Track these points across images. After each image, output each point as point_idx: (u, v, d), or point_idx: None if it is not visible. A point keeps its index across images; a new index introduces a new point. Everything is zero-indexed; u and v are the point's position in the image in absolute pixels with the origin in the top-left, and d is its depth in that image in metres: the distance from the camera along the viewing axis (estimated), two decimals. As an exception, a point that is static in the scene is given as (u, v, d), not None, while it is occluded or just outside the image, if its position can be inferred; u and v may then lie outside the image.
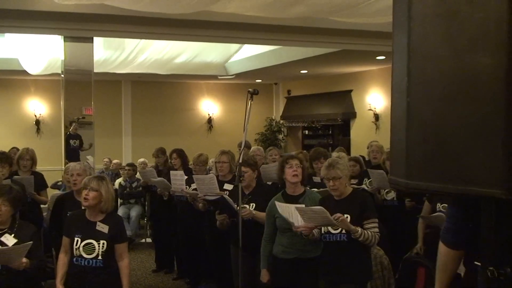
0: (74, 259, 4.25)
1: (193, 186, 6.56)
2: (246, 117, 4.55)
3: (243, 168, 5.37)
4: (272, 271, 5.02)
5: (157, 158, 8.51)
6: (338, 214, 4.34)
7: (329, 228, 4.47)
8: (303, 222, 4.46)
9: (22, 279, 4.36)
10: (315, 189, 5.78)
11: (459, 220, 2.43)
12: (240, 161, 4.74)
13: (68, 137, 8.79)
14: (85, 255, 4.21)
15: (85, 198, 4.26)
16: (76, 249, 4.22)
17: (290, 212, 4.60)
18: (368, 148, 8.61)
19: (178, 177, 6.91)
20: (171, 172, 7.16)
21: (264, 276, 5.04)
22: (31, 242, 4.25)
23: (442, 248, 2.55)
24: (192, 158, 7.58)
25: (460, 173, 1.65)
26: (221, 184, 6.02)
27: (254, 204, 5.37)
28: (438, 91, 1.70)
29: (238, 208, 5.05)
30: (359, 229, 4.36)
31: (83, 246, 4.22)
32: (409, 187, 1.78)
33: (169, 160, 8.03)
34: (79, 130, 8.65)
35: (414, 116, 1.75)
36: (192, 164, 7.28)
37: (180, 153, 7.67)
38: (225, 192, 5.88)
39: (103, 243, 4.23)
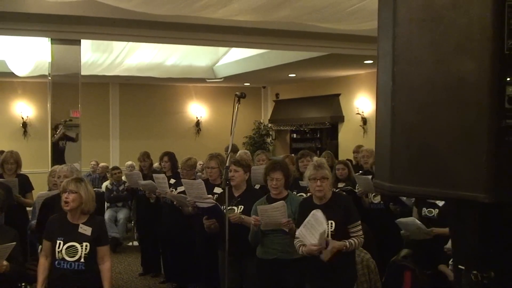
0: (56, 262, 4.21)
1: (179, 189, 6.55)
2: (233, 120, 4.55)
3: (234, 167, 5.38)
4: (256, 272, 5.04)
5: (142, 162, 8.47)
6: (332, 244, 4.34)
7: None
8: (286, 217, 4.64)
9: (1, 282, 4.31)
10: (302, 193, 5.80)
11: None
12: (227, 164, 4.73)
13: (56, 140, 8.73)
14: (67, 258, 4.17)
15: (65, 202, 4.23)
16: (58, 252, 4.19)
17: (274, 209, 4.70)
18: (354, 152, 8.65)
19: (160, 180, 6.91)
20: (154, 175, 7.17)
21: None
22: (13, 243, 4.21)
23: None
24: (180, 161, 7.57)
25: (444, 177, 1.65)
26: (211, 187, 6.01)
27: (242, 207, 5.36)
28: (423, 96, 1.71)
29: (225, 211, 5.04)
30: (347, 243, 4.38)
31: (66, 248, 4.18)
32: (394, 190, 1.79)
33: (160, 162, 8.02)
34: (65, 131, 8.59)
35: (399, 120, 1.76)
36: (180, 168, 7.27)
37: (171, 157, 7.67)
38: (215, 196, 5.87)
39: (86, 246, 4.20)
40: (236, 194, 5.47)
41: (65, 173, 5.28)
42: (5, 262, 4.17)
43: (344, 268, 4.57)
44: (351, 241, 4.41)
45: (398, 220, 5.91)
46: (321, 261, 4.42)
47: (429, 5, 1.70)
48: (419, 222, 5.65)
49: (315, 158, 7.31)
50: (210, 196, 5.78)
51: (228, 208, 5.19)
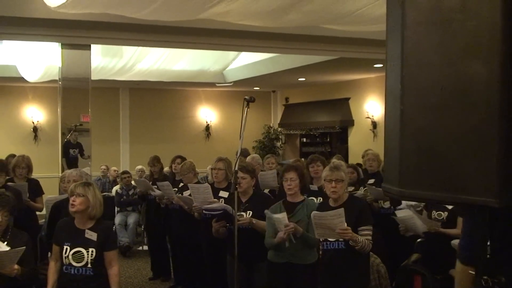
0: (64, 267, 4.21)
1: (186, 193, 6.55)
2: (242, 124, 4.54)
3: (241, 174, 5.37)
4: (268, 276, 5.04)
5: (153, 166, 8.49)
6: (345, 228, 4.33)
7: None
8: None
9: (13, 286, 4.33)
10: (313, 198, 5.79)
11: (473, 237, 2.41)
12: (236, 168, 4.72)
13: (67, 146, 8.78)
14: (74, 263, 4.17)
15: (71, 204, 4.23)
16: (65, 257, 4.18)
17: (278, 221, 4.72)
18: (363, 157, 8.66)
19: (165, 187, 6.94)
20: (158, 183, 7.20)
21: None
22: (23, 247, 4.22)
23: (457, 265, 2.51)
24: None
25: (453, 181, 1.64)
26: (216, 191, 6.00)
27: (251, 212, 5.35)
28: (432, 99, 1.70)
29: (234, 215, 5.03)
30: (359, 238, 4.37)
31: (72, 254, 4.17)
32: (403, 195, 1.78)
33: (171, 165, 8.05)
34: (78, 138, 8.67)
35: (408, 124, 1.75)
36: (180, 174, 7.26)
37: (184, 160, 7.68)
38: (221, 199, 5.85)
39: (92, 251, 4.19)
40: (244, 200, 5.47)
41: (74, 178, 5.29)
42: (16, 266, 4.18)
43: (357, 272, 4.55)
44: (362, 238, 4.39)
45: (367, 185, 5.90)
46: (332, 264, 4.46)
47: (437, 7, 1.68)
48: (413, 214, 5.63)
49: (333, 159, 7.32)
50: (216, 200, 5.77)
51: (237, 214, 5.18)
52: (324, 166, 6.37)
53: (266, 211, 4.99)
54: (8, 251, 4.22)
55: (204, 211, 5.79)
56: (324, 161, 6.57)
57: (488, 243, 2.06)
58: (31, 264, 4.50)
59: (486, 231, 1.87)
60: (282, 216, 4.68)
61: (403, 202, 6.16)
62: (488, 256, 1.91)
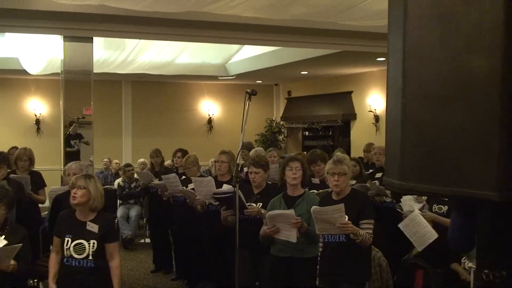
0: (65, 259, 4.22)
1: (190, 186, 6.55)
2: (244, 118, 4.54)
3: (254, 169, 5.39)
4: (270, 270, 5.04)
5: (154, 158, 8.50)
6: (345, 222, 4.34)
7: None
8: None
9: (8, 281, 4.35)
10: (315, 191, 5.78)
11: (462, 228, 2.41)
12: (237, 161, 4.72)
13: (68, 139, 8.79)
14: (75, 256, 4.18)
15: (73, 197, 4.24)
16: (66, 249, 4.19)
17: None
18: (365, 152, 8.62)
19: (171, 180, 6.92)
20: (163, 176, 7.19)
21: None
22: (21, 244, 4.23)
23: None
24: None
25: (454, 175, 1.63)
26: (219, 184, 6.00)
27: (261, 204, 5.35)
28: (433, 93, 1.69)
29: (236, 209, 5.02)
30: (360, 231, 4.37)
31: (74, 246, 4.18)
32: (403, 188, 1.77)
33: (172, 159, 8.04)
34: (78, 129, 8.66)
35: (409, 117, 1.74)
36: (183, 168, 7.25)
37: (185, 154, 7.67)
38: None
39: (93, 243, 4.19)
40: (256, 191, 5.48)
41: (74, 171, 5.30)
42: (12, 261, 4.21)
43: (358, 265, 4.56)
44: (363, 232, 4.39)
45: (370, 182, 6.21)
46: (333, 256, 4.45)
47: (439, 1, 1.68)
48: (418, 213, 5.59)
49: (336, 153, 7.30)
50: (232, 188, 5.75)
51: (248, 204, 5.18)
52: (325, 163, 6.36)
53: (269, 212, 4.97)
54: (5, 247, 4.24)
55: (213, 195, 5.77)
56: (325, 157, 6.53)
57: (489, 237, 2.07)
58: (27, 259, 4.51)
59: (487, 225, 1.86)
60: (291, 212, 4.67)
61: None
62: (488, 250, 1.91)
